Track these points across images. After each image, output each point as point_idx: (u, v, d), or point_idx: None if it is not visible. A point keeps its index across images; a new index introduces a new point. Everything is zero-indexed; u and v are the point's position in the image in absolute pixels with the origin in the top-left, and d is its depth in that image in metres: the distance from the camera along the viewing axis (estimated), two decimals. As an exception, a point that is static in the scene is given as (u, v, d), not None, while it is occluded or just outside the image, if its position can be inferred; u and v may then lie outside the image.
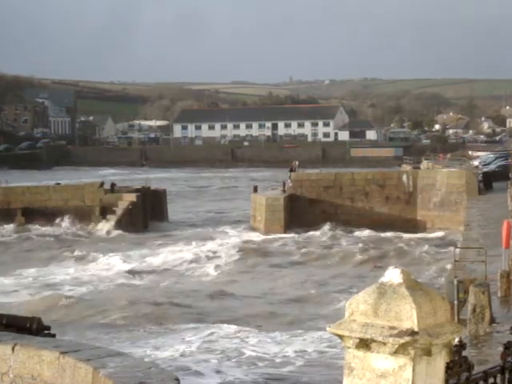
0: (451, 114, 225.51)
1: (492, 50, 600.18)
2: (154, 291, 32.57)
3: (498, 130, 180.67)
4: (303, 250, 42.63)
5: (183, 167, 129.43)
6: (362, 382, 4.50)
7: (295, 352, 22.27)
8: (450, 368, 4.54)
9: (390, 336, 4.33)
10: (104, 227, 50.40)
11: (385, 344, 4.36)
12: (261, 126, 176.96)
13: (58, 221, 51.11)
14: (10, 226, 50.58)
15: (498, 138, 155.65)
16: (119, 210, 51.46)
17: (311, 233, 47.50)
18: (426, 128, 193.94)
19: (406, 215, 50.25)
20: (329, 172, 59.66)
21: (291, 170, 57.87)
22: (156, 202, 56.51)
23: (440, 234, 45.92)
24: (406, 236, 45.51)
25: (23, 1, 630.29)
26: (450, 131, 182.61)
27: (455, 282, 17.84)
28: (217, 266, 38.39)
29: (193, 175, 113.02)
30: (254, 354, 22.19)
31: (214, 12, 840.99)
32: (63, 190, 54.40)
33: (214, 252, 42.36)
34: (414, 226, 49.22)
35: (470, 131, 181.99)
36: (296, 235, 46.77)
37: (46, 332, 10.31)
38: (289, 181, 53.75)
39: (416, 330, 4.32)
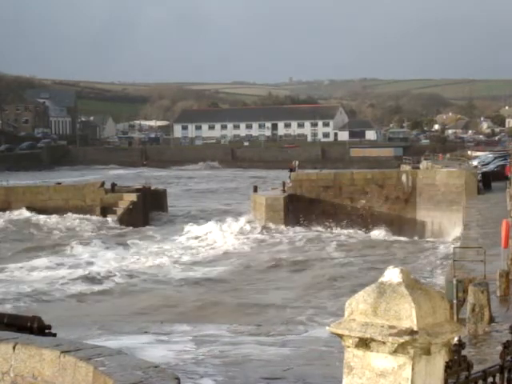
0: (450, 114, 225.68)
1: (491, 50, 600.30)
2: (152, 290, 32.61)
3: (497, 130, 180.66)
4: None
5: (183, 167, 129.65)
6: (361, 381, 4.51)
7: (294, 351, 22.29)
8: (450, 367, 4.56)
9: (390, 335, 4.34)
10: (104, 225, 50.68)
11: (384, 343, 4.37)
12: (261, 126, 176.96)
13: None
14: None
15: (497, 138, 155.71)
16: (120, 210, 51.52)
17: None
18: (425, 128, 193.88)
19: (406, 215, 50.32)
20: (328, 172, 59.69)
21: (291, 170, 57.92)
22: (156, 202, 56.59)
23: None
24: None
25: (24, 1, 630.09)
26: (450, 131, 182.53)
27: (454, 282, 17.85)
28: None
29: (192, 174, 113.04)
30: (253, 353, 22.20)
31: (214, 12, 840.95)
32: (64, 190, 54.46)
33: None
34: (412, 225, 49.31)
35: (470, 131, 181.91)
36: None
37: (47, 331, 10.33)
38: (288, 181, 53.77)
39: (415, 329, 4.33)
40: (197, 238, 46.52)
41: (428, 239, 46.72)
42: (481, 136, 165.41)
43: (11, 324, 10.24)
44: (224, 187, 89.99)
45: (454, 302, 16.98)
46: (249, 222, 49.27)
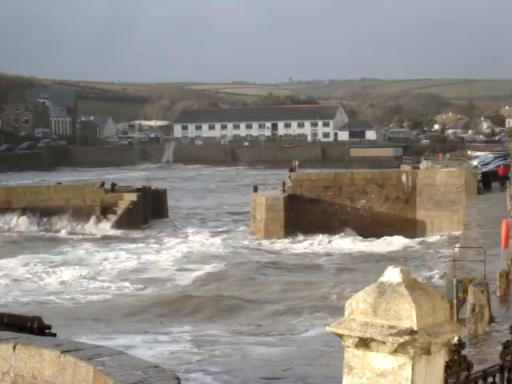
0: (450, 114, 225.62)
1: (491, 50, 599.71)
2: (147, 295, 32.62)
3: (497, 129, 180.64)
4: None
5: (183, 167, 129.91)
6: (361, 380, 4.51)
7: (294, 351, 22.29)
8: (450, 367, 4.56)
9: (390, 335, 4.34)
10: (105, 226, 50.52)
11: (384, 343, 4.37)
12: (261, 126, 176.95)
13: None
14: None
15: (497, 137, 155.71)
16: (120, 210, 51.45)
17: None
18: (425, 128, 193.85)
19: (406, 215, 50.31)
20: (328, 172, 59.65)
21: (291, 170, 57.89)
22: (157, 202, 56.57)
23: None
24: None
25: (24, 1, 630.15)
26: (450, 131, 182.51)
27: (454, 282, 17.86)
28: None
29: (192, 175, 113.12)
30: (253, 353, 22.20)
31: (214, 12, 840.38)
32: (64, 190, 54.37)
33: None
34: (413, 225, 49.30)
35: (470, 131, 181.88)
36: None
37: (47, 331, 10.33)
38: (289, 181, 53.74)
39: (415, 329, 4.33)
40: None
41: (428, 239, 46.68)
42: (481, 136, 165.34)
43: (11, 324, 10.24)
44: (223, 186, 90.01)
45: (454, 301, 16.97)
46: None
